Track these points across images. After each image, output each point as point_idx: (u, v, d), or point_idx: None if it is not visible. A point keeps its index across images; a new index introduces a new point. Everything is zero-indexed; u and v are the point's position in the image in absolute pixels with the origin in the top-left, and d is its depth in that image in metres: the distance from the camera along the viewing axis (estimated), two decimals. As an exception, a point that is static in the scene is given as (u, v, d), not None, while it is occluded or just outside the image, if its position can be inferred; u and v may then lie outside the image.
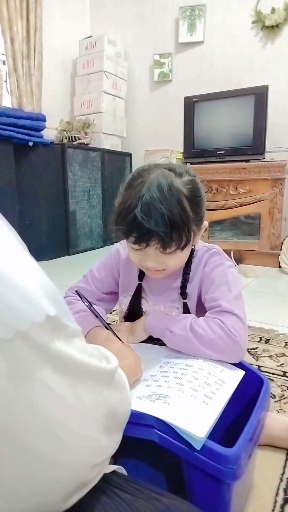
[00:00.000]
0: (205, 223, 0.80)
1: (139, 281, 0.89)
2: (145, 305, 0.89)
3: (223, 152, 2.64)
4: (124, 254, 0.92)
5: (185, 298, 0.85)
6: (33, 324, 0.27)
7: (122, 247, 0.93)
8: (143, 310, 0.89)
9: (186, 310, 0.85)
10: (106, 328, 0.77)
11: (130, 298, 0.91)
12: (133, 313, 0.89)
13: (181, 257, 0.76)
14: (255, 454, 0.64)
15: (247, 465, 0.53)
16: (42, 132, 2.72)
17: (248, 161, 2.54)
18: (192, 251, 0.83)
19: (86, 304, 0.77)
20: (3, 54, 2.86)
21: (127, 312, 0.92)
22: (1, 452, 0.27)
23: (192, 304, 0.85)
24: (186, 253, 0.77)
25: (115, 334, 0.75)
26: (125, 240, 0.77)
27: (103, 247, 3.36)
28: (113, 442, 0.36)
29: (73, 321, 0.31)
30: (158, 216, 0.66)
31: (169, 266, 0.76)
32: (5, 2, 2.66)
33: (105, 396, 0.34)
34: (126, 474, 0.44)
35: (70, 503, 0.32)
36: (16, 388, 0.27)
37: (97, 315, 0.76)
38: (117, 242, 0.95)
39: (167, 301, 0.87)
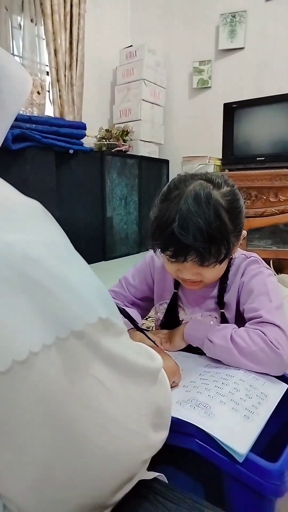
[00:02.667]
0: (244, 233, 0.77)
1: (174, 289, 0.88)
2: (181, 314, 0.88)
3: (263, 158, 2.58)
4: (158, 262, 0.91)
5: (223, 308, 0.83)
6: (87, 325, 0.28)
7: (157, 255, 0.93)
8: (180, 318, 0.88)
9: (224, 320, 0.83)
10: (140, 331, 0.75)
11: (166, 305, 0.90)
12: (169, 321, 0.89)
13: (219, 269, 0.74)
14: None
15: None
16: (82, 140, 2.79)
17: (289, 167, 2.47)
18: (230, 259, 0.81)
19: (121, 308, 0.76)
20: (46, 65, 2.97)
21: (163, 320, 0.91)
22: (57, 444, 0.28)
23: (230, 314, 0.83)
24: (224, 265, 0.75)
25: (148, 337, 0.74)
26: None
27: (138, 253, 3.38)
28: (160, 439, 0.36)
29: (120, 320, 0.32)
30: (196, 230, 0.64)
31: (206, 278, 0.74)
32: (50, 15, 2.77)
33: (151, 392, 0.34)
34: (167, 481, 0.43)
35: (118, 497, 0.33)
36: (71, 383, 0.27)
37: (129, 317, 0.75)
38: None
39: (204, 310, 0.85)
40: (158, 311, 0.93)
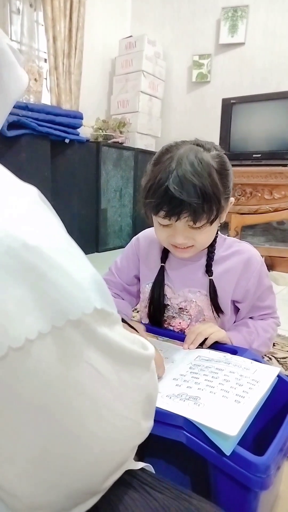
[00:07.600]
0: (231, 199, 0.81)
1: (162, 263, 0.88)
2: (168, 292, 0.88)
3: (259, 155, 2.59)
4: (143, 241, 0.93)
5: (211, 275, 0.84)
6: (83, 314, 0.28)
7: (142, 236, 0.95)
8: (167, 296, 0.88)
9: (212, 289, 0.83)
10: (123, 321, 0.75)
11: (152, 284, 0.90)
12: (156, 300, 0.88)
13: (209, 232, 0.76)
14: (283, 466, 0.63)
15: (275, 475, 0.52)
16: (78, 129, 2.76)
17: (285, 165, 2.48)
18: (218, 228, 0.83)
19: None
20: (44, 52, 2.92)
21: (149, 300, 0.90)
22: (52, 430, 0.28)
23: (222, 288, 0.84)
24: (214, 229, 0.78)
25: (131, 326, 0.74)
26: (153, 217, 0.77)
27: (132, 246, 3.37)
28: (147, 427, 0.37)
29: (115, 309, 0.32)
30: (191, 187, 0.67)
31: (197, 242, 0.76)
32: (49, 1, 2.72)
33: (144, 380, 0.35)
34: (154, 472, 0.43)
35: (109, 483, 0.33)
36: (66, 370, 0.28)
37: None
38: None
39: (191, 284, 0.86)
40: (145, 292, 0.92)
